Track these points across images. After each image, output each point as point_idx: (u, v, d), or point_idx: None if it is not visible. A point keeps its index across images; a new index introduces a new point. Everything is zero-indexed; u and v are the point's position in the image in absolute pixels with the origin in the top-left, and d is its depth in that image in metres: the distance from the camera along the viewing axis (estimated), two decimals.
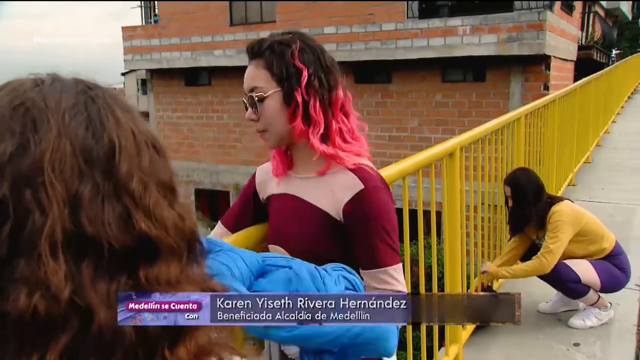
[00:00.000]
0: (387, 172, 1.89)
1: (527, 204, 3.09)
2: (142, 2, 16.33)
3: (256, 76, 1.26)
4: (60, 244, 0.47)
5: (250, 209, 1.46)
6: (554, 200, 3.14)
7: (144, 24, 16.25)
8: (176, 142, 15.36)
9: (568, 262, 3.02)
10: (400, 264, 1.24)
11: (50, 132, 0.49)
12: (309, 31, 12.07)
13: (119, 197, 0.50)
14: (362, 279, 1.20)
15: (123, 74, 25.70)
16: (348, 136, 1.28)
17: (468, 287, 3.06)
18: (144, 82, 18.82)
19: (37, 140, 0.49)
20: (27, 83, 0.54)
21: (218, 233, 1.46)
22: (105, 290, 0.49)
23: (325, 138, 1.26)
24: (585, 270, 3.00)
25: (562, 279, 3.00)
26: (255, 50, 1.26)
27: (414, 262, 2.75)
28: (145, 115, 17.60)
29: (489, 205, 3.49)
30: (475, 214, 3.21)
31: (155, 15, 15.49)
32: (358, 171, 1.25)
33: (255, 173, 1.48)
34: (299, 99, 1.23)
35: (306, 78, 1.23)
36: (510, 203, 3.21)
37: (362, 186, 1.23)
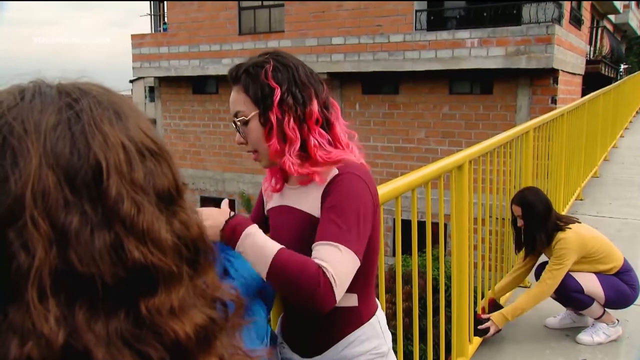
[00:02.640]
0: (397, 184, 1.89)
1: (538, 225, 3.09)
2: (152, 10, 16.44)
3: (237, 101, 1.29)
4: (49, 287, 0.44)
5: (263, 216, 1.51)
6: (562, 220, 3.12)
7: (153, 32, 16.37)
8: (182, 150, 15.40)
9: (574, 273, 3.00)
10: (344, 247, 1.17)
11: (31, 163, 0.46)
12: (317, 41, 12.19)
13: (110, 225, 0.47)
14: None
15: (131, 81, 25.86)
16: (329, 147, 1.28)
17: (475, 300, 3.03)
18: (151, 90, 18.93)
19: (17, 175, 0.45)
20: (5, 100, 0.50)
21: None
22: (104, 330, 0.46)
23: (305, 153, 1.27)
24: (588, 282, 2.99)
25: (565, 288, 2.99)
26: (234, 76, 1.29)
27: (421, 275, 2.73)
28: (153, 122, 17.71)
29: (496, 218, 3.47)
30: (482, 226, 3.19)
31: (165, 23, 15.61)
32: (340, 162, 1.27)
33: (262, 185, 1.51)
34: (273, 118, 1.25)
35: (278, 96, 1.24)
36: (519, 223, 3.20)
37: (336, 172, 1.25)
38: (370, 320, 1.35)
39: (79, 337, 0.45)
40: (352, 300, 1.31)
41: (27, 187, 0.45)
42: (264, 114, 1.25)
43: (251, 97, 1.26)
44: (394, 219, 2.04)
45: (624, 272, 3.05)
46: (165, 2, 15.53)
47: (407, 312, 2.31)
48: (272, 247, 1.16)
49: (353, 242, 1.17)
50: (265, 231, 1.45)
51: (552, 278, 2.96)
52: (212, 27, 14.05)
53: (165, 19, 15.60)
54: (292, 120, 1.25)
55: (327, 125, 1.30)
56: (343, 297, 1.22)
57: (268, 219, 1.46)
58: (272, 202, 1.44)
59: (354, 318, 1.33)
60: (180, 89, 15.24)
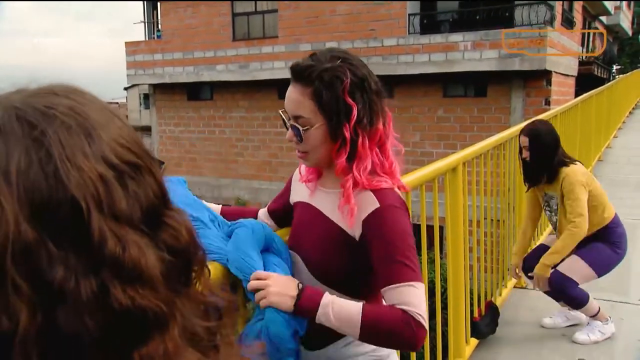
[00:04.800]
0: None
1: (546, 155, 3.04)
2: (146, 17, 16.45)
3: (302, 104, 1.24)
4: (36, 355, 0.41)
5: (285, 202, 1.52)
6: (568, 157, 3.10)
7: (147, 39, 16.38)
8: (178, 157, 15.40)
9: (560, 269, 3.00)
10: (417, 282, 1.20)
11: (7, 220, 0.41)
12: (311, 46, 12.21)
13: (95, 270, 0.43)
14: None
15: (126, 89, 25.82)
16: (379, 170, 1.27)
17: (471, 303, 3.05)
18: (146, 97, 18.92)
19: None
20: None
21: (262, 213, 1.58)
22: None
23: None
24: (577, 270, 2.98)
25: (561, 288, 2.99)
26: (305, 76, 1.23)
27: None
28: (148, 129, 17.65)
29: (491, 219, 3.49)
30: (477, 228, 3.21)
31: (159, 30, 15.62)
32: (377, 192, 1.25)
33: (296, 170, 1.51)
34: (347, 136, 1.22)
35: (355, 117, 1.21)
36: (524, 154, 3.12)
37: (378, 205, 1.23)
38: None
39: None
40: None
41: (6, 249, 0.41)
42: (335, 129, 1.22)
43: (323, 107, 1.21)
44: None
45: (613, 227, 3.06)
46: (159, 9, 15.53)
47: None
48: (355, 308, 1.18)
49: (419, 275, 1.22)
50: (288, 221, 1.48)
51: (579, 215, 2.92)
52: (206, 34, 14.08)
53: (159, 26, 15.60)
54: (366, 140, 1.23)
55: (381, 143, 1.29)
56: (348, 297, 1.26)
57: (293, 210, 1.46)
58: (299, 195, 1.44)
59: None
60: (175, 96, 15.24)
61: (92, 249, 0.43)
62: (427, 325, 1.18)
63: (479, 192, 3.16)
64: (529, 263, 3.22)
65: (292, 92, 1.26)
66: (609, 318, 3.08)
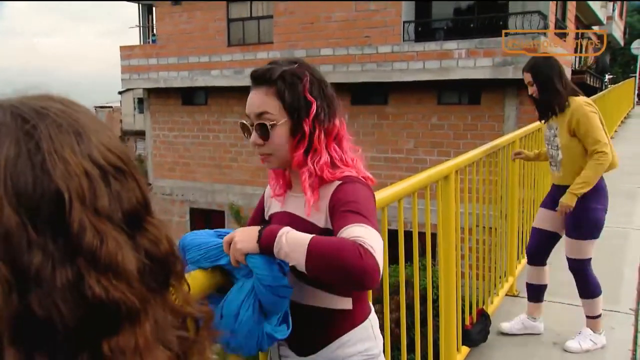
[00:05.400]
0: (383, 195, 1.89)
1: (551, 85, 2.96)
2: (141, 22, 16.43)
3: (266, 103, 1.30)
4: (8, 337, 0.43)
5: (261, 220, 1.55)
6: (576, 89, 3.03)
7: (142, 43, 16.36)
8: (172, 161, 15.35)
9: (570, 255, 2.98)
10: (371, 227, 1.18)
11: None
12: (306, 53, 12.24)
13: (72, 259, 0.45)
14: None
15: (120, 93, 25.78)
16: (339, 163, 1.33)
17: (463, 310, 3.04)
18: (140, 101, 18.88)
19: None
20: None
21: None
22: None
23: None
24: (579, 248, 2.97)
25: (580, 270, 2.98)
26: (267, 78, 1.30)
27: (409, 285, 2.74)
28: (142, 134, 17.61)
29: (483, 227, 3.49)
30: (470, 236, 3.21)
31: (154, 35, 15.60)
32: (341, 178, 1.31)
33: (266, 188, 1.55)
34: (306, 130, 1.29)
35: (314, 111, 1.29)
36: (530, 91, 3.05)
37: (340, 182, 1.30)
38: (363, 323, 1.39)
39: None
40: (347, 303, 1.36)
41: None
42: (296, 125, 1.29)
43: (286, 104, 1.28)
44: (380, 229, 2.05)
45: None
46: (154, 14, 15.52)
47: (396, 323, 2.31)
48: (306, 236, 1.16)
49: (375, 227, 1.19)
50: None
51: (599, 143, 2.84)
52: (201, 39, 14.08)
53: (155, 30, 15.59)
54: (322, 134, 1.31)
55: (338, 139, 1.36)
56: (338, 300, 1.33)
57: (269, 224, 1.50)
58: (274, 208, 1.48)
59: (348, 320, 1.37)
60: (169, 100, 15.21)
61: (71, 238, 0.45)
62: (380, 262, 1.11)
63: (471, 200, 3.16)
64: (531, 250, 3.23)
65: (254, 95, 1.32)
66: (602, 330, 3.08)
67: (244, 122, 1.36)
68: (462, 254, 2.90)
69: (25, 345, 0.43)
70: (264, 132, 1.30)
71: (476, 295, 3.31)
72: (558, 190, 3.07)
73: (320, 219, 1.31)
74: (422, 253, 2.48)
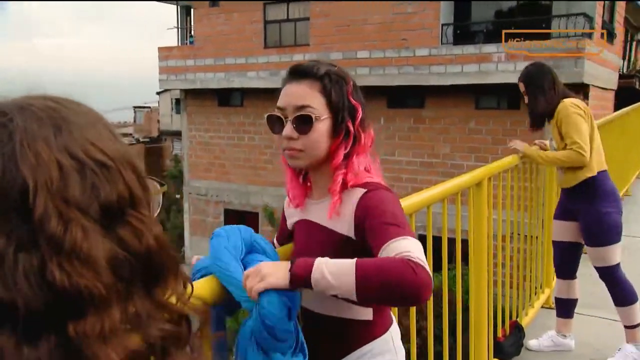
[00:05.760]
0: (412, 201, 1.85)
1: (541, 95, 2.92)
2: (179, 23, 16.72)
3: (309, 96, 1.27)
4: None
5: (287, 230, 1.53)
6: (569, 94, 2.99)
7: (179, 45, 16.62)
8: (207, 162, 15.52)
9: (596, 264, 2.89)
10: (410, 236, 1.15)
11: None
12: (342, 55, 12.19)
13: (36, 244, 0.47)
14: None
15: (158, 93, 26.28)
16: (364, 170, 1.32)
17: (495, 319, 2.91)
18: (178, 102, 19.21)
19: None
20: None
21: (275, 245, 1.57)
22: (33, 355, 0.46)
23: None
24: (604, 254, 2.86)
25: (611, 279, 2.87)
26: (313, 72, 1.28)
27: (437, 293, 2.62)
28: (179, 134, 17.89)
29: (518, 235, 3.35)
30: (503, 243, 3.08)
31: (191, 36, 15.85)
32: (364, 184, 1.29)
33: (285, 200, 1.53)
34: (352, 131, 1.28)
35: (360, 115, 1.30)
36: (525, 100, 3.03)
37: (365, 190, 1.27)
38: (384, 335, 1.35)
39: None
40: (367, 314, 1.32)
41: None
42: (338, 125, 1.28)
43: (332, 101, 1.27)
44: None
45: (603, 179, 2.90)
46: (192, 16, 15.76)
47: (421, 333, 2.22)
48: (348, 262, 1.10)
49: (411, 233, 1.17)
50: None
51: (574, 143, 2.76)
52: (238, 41, 14.19)
53: (192, 32, 15.83)
54: (368, 140, 1.31)
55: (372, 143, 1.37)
56: (359, 310, 1.30)
57: (293, 233, 1.47)
58: (293, 216, 1.46)
59: (368, 331, 1.33)
60: (205, 102, 15.40)
61: (34, 226, 0.47)
62: (430, 272, 1.08)
63: (505, 207, 3.03)
64: (557, 264, 3.12)
65: (295, 87, 1.29)
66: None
67: (275, 114, 1.30)
68: (494, 261, 2.78)
69: None
70: (304, 125, 1.26)
71: (509, 305, 3.18)
72: (565, 197, 3.01)
73: (342, 226, 1.28)
74: (453, 260, 2.38)
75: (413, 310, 1.98)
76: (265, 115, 1.33)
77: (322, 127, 1.27)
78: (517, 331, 3.08)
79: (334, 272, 1.09)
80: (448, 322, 2.20)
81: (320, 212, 1.34)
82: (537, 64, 3.08)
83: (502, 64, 10.82)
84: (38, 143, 0.49)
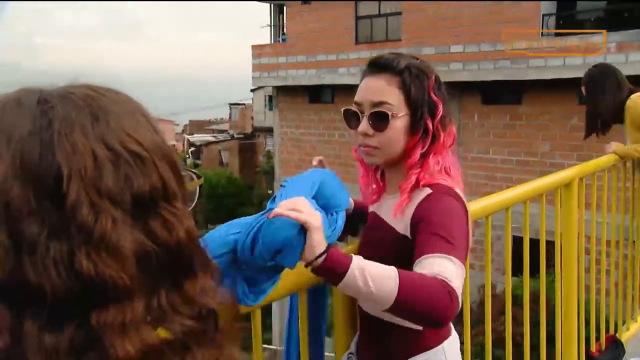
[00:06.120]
0: (487, 202, 1.77)
1: (602, 98, 2.76)
2: (272, 21, 17.11)
3: (387, 92, 1.23)
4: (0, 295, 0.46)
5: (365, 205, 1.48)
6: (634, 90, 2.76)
7: (272, 42, 17.00)
8: (298, 159, 15.77)
9: None
10: (457, 259, 1.09)
11: (1, 171, 0.49)
12: (435, 50, 11.88)
13: (67, 231, 0.48)
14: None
15: (252, 90, 27.09)
16: (443, 171, 1.27)
17: (587, 335, 2.66)
18: (271, 99, 19.71)
19: None
20: None
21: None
22: (53, 343, 0.46)
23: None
24: None
25: None
26: (392, 66, 1.23)
27: (517, 300, 2.46)
28: (271, 130, 18.35)
29: (618, 240, 3.05)
30: (599, 247, 2.81)
31: (284, 34, 16.16)
32: (433, 185, 1.24)
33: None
34: (431, 129, 1.23)
35: (440, 112, 1.24)
36: (585, 105, 2.88)
37: (429, 191, 1.22)
38: (437, 348, 1.28)
39: (22, 346, 0.46)
40: None
41: None
42: (416, 121, 1.23)
43: (410, 98, 1.22)
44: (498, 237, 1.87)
45: None
46: (284, 13, 16.07)
47: (497, 346, 2.06)
48: (388, 267, 1.05)
49: (461, 257, 1.12)
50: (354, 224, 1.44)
51: None
52: (329, 37, 14.27)
53: (285, 29, 16.14)
54: (447, 139, 1.26)
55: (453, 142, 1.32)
56: None
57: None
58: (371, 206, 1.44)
59: (419, 342, 1.28)
60: (297, 98, 15.64)
61: (66, 213, 0.48)
62: (460, 302, 1.05)
63: (602, 208, 2.77)
64: None
65: (373, 81, 1.25)
66: None
67: (352, 108, 1.28)
68: (586, 266, 2.55)
69: (15, 307, 0.47)
70: (380, 122, 1.22)
71: (607, 317, 2.89)
72: None
73: (402, 225, 1.25)
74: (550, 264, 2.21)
75: (508, 317, 1.89)
76: (342, 110, 1.30)
77: (399, 124, 1.22)
78: (615, 347, 2.82)
79: (374, 276, 1.02)
80: (533, 330, 2.05)
81: (388, 208, 1.30)
82: (600, 66, 2.93)
83: (611, 55, 10.00)
84: (75, 132, 0.50)
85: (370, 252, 1.20)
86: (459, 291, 1.05)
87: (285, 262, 1.03)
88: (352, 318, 1.46)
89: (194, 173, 0.70)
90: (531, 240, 1.93)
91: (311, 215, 1.02)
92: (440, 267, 1.06)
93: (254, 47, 15.97)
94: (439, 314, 1.03)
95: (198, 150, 29.53)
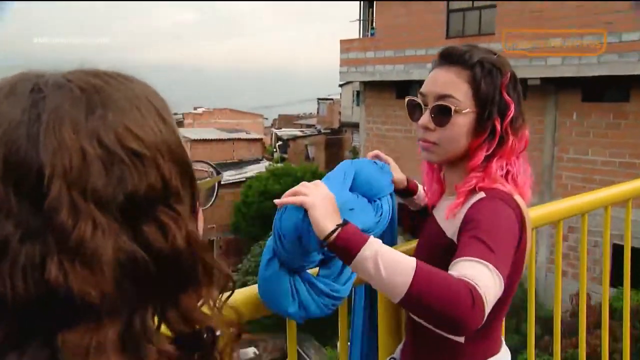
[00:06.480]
0: (557, 207, 1.67)
1: None
2: (361, 15, 17.01)
3: (455, 85, 1.17)
4: None
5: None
6: None
7: (361, 37, 16.92)
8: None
9: None
10: (494, 267, 1.00)
11: None
12: (531, 44, 11.25)
13: (42, 235, 0.43)
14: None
15: (340, 85, 27.15)
16: (508, 178, 1.20)
17: None
18: (358, 94, 19.67)
19: None
20: None
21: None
22: (15, 358, 0.43)
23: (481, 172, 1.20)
24: None
25: None
26: (464, 58, 1.17)
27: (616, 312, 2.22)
28: (358, 126, 18.29)
29: None
30: None
31: (372, 28, 16.04)
32: (489, 190, 1.16)
33: None
34: (499, 130, 1.16)
35: (512, 113, 1.16)
36: None
37: (483, 195, 1.15)
38: None
39: None
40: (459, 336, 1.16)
41: None
42: (483, 121, 1.16)
43: (479, 94, 1.15)
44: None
45: None
46: (374, 7, 15.94)
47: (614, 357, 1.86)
48: (406, 257, 1.00)
49: (501, 267, 1.02)
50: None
51: None
52: (419, 31, 13.96)
53: (374, 23, 16.02)
54: (515, 143, 1.18)
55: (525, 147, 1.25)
56: None
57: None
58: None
59: (458, 356, 1.20)
60: (383, 94, 15.47)
61: (44, 214, 0.43)
62: (487, 314, 0.96)
63: None
64: None
65: (441, 73, 1.20)
66: None
67: (416, 99, 1.22)
68: None
69: None
70: (442, 116, 1.16)
71: None
72: None
73: (451, 229, 1.19)
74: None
75: (605, 331, 1.71)
76: (406, 100, 1.24)
77: (463, 121, 1.16)
78: None
79: (388, 262, 0.97)
80: (634, 347, 1.82)
81: (443, 210, 1.24)
82: None
83: None
84: (64, 126, 0.46)
85: (422, 255, 1.14)
86: (487, 300, 0.95)
87: (310, 247, 1.04)
88: (397, 320, 1.42)
89: (214, 168, 0.65)
90: (634, 249, 1.71)
91: (309, 194, 1.01)
92: (473, 271, 0.98)
93: (342, 41, 15.97)
94: (456, 318, 0.94)
95: (285, 144, 30.04)
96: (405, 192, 1.40)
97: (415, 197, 1.42)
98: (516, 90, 1.19)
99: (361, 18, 17.21)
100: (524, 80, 10.85)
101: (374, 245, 0.99)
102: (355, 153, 22.53)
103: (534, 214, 1.43)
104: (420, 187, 1.43)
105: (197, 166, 0.59)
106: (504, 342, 1.27)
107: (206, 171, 0.67)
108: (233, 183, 21.76)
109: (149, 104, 0.52)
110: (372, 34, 16.03)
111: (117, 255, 0.44)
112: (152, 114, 0.51)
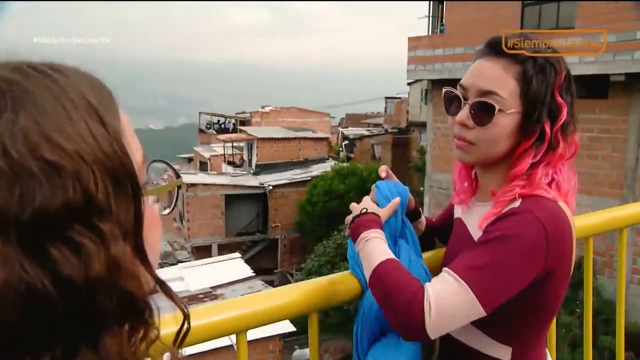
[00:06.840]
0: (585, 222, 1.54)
1: None
2: (431, 12, 16.62)
3: (501, 81, 1.07)
4: None
5: (447, 217, 1.39)
6: None
7: (429, 34, 16.51)
8: (450, 155, 15.04)
9: None
10: (469, 288, 0.97)
11: None
12: (616, 37, 10.47)
13: None
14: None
15: (409, 84, 26.63)
16: (552, 186, 1.10)
17: None
18: (427, 93, 19.24)
19: None
20: None
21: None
22: None
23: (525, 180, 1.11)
24: None
25: None
26: (514, 49, 1.08)
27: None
28: (425, 125, 17.84)
29: None
30: None
31: (442, 24, 15.63)
32: (527, 197, 1.06)
33: None
34: (548, 135, 1.06)
35: (563, 117, 1.07)
36: None
37: (517, 205, 1.05)
38: None
39: None
40: (504, 354, 1.11)
41: None
42: (529, 123, 1.06)
43: (528, 92, 1.05)
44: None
45: None
46: (444, 4, 15.51)
47: None
48: (382, 255, 1.08)
49: (479, 285, 0.98)
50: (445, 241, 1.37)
51: None
52: (490, 27, 13.33)
53: (443, 20, 15.59)
54: (565, 150, 1.09)
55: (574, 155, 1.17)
56: (495, 346, 1.12)
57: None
58: (456, 211, 1.31)
59: None
60: None
61: None
62: (430, 319, 0.96)
63: None
64: None
65: (487, 66, 1.10)
66: None
67: (454, 91, 1.12)
68: None
69: None
70: (483, 113, 1.06)
71: None
72: None
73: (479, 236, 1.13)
74: None
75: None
76: (444, 90, 1.12)
77: (507, 121, 1.06)
78: None
79: (369, 249, 1.10)
80: None
81: (475, 217, 1.16)
82: None
83: None
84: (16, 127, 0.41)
85: (447, 261, 1.12)
86: (436, 303, 0.96)
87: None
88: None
89: (173, 170, 0.56)
90: None
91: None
92: (443, 284, 1.00)
93: (410, 39, 15.65)
94: (398, 320, 1.01)
95: (352, 143, 29.86)
96: (412, 214, 1.36)
97: (417, 221, 1.38)
98: (570, 92, 1.09)
99: (430, 15, 16.81)
100: (605, 77, 10.07)
101: (367, 236, 1.12)
102: (422, 153, 22.02)
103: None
104: (422, 214, 1.41)
105: (155, 167, 0.54)
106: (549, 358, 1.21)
107: (166, 172, 0.59)
108: (298, 182, 21.87)
109: (83, 103, 0.44)
110: (441, 31, 15.60)
111: (10, 284, 0.38)
112: (85, 115, 0.44)
